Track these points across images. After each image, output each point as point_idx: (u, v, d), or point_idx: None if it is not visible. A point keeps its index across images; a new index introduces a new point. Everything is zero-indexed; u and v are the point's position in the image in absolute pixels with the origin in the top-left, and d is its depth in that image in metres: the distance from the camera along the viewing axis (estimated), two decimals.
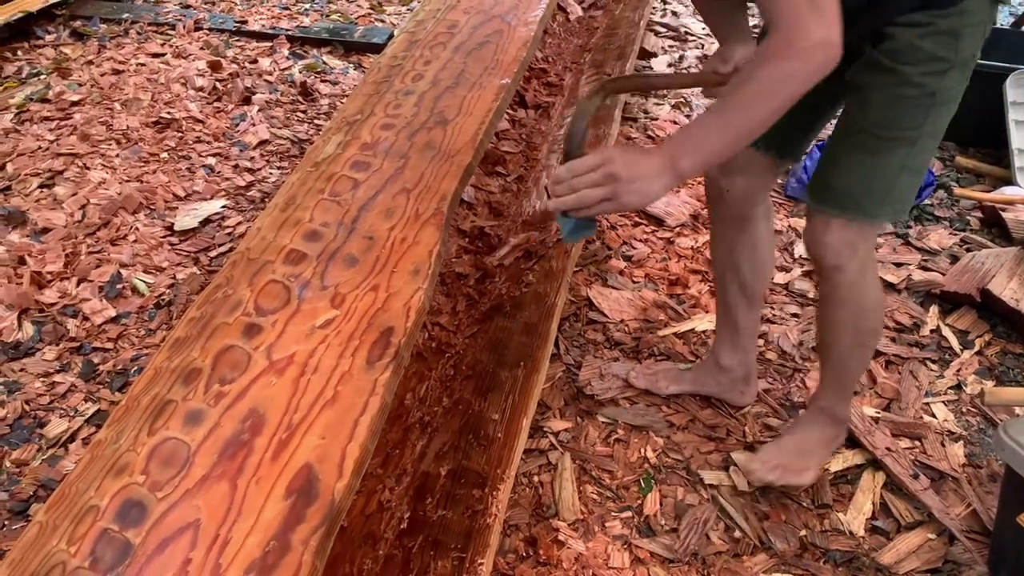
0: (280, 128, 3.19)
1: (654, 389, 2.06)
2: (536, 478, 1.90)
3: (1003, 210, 2.67)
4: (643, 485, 1.88)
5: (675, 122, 3.24)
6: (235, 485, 1.15)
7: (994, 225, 2.70)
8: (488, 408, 1.81)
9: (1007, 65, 2.87)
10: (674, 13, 4.18)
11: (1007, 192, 2.78)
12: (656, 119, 3.25)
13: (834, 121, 1.59)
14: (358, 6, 4.27)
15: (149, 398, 1.30)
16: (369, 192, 1.65)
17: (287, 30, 3.89)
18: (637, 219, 2.73)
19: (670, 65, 3.68)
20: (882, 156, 1.45)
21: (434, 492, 1.66)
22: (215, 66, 3.49)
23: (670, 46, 3.84)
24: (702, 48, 3.83)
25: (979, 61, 2.57)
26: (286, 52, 3.73)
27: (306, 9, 4.21)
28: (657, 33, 3.88)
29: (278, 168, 2.95)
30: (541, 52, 3.34)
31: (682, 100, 3.41)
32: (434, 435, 1.80)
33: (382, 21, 4.10)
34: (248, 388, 1.27)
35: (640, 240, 2.63)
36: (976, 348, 2.26)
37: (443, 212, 1.62)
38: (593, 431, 2.01)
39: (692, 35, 3.97)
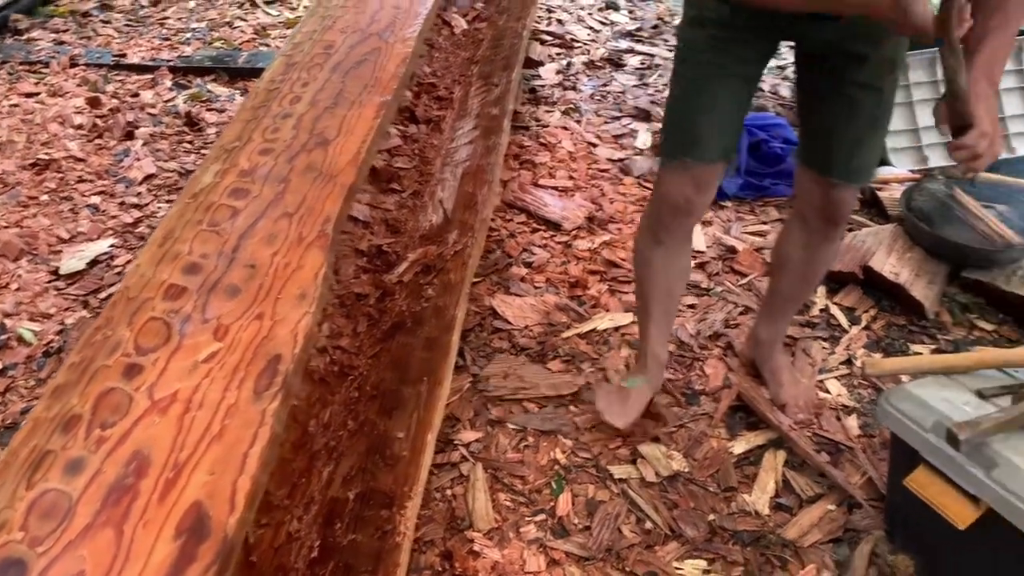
0: (166, 161, 3.11)
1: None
2: (449, 491, 1.90)
3: (879, 190, 2.80)
4: (555, 487, 1.89)
5: (565, 128, 3.29)
6: (121, 531, 1.11)
7: (872, 205, 2.83)
8: (393, 427, 1.80)
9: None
10: (559, 21, 4.25)
11: (882, 172, 2.91)
12: (547, 126, 3.30)
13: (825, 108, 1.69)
14: (241, 32, 4.21)
15: (28, 451, 1.25)
16: (249, 219, 1.62)
17: (168, 61, 3.80)
18: (535, 225, 2.76)
19: (558, 72, 3.74)
20: (884, 131, 1.69)
21: (343, 517, 1.64)
22: (94, 102, 3.38)
23: (557, 53, 3.90)
24: (587, 54, 3.91)
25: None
26: (169, 83, 3.64)
27: (187, 38, 4.12)
28: (543, 42, 3.93)
29: (166, 202, 2.87)
30: (429, 67, 3.35)
31: (572, 107, 3.47)
32: (340, 460, 1.78)
33: (267, 45, 4.05)
34: (131, 430, 1.24)
35: (539, 246, 2.66)
36: (863, 323, 2.36)
37: (328, 234, 1.60)
38: (503, 439, 2.02)
39: (578, 41, 4.04)
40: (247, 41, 4.12)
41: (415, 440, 1.74)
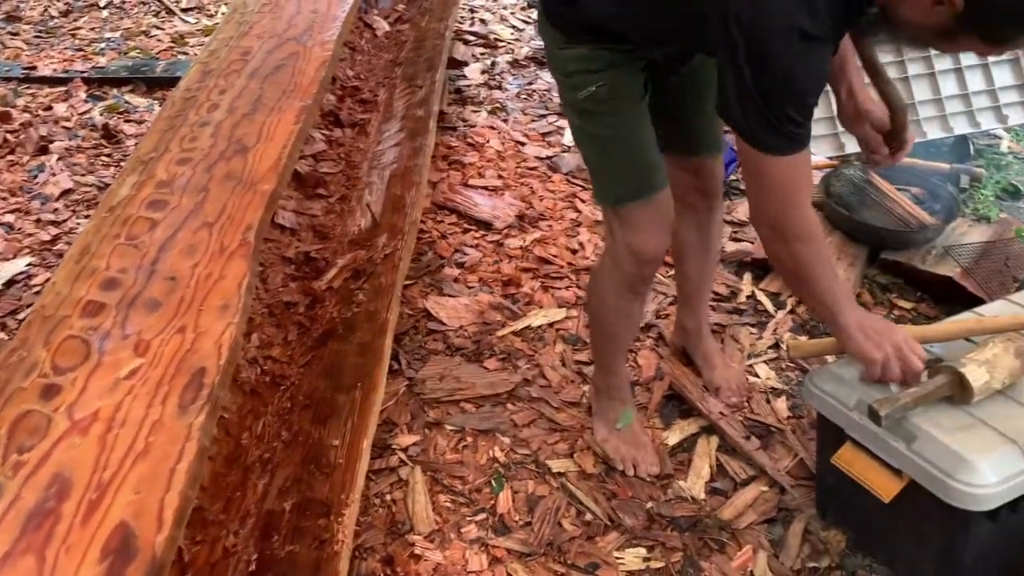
0: (84, 175, 3.02)
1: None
2: (388, 496, 1.88)
3: None
4: (494, 485, 1.90)
5: (493, 127, 3.30)
6: (43, 557, 1.08)
7: None
8: (328, 435, 1.78)
9: None
10: (482, 21, 4.26)
11: None
12: (474, 126, 3.30)
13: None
14: (158, 40, 4.11)
15: None
16: (168, 231, 1.59)
17: (82, 72, 3.69)
18: (466, 225, 2.76)
19: (483, 72, 3.74)
20: None
21: (280, 529, 1.61)
22: (4, 117, 3.26)
23: (481, 53, 3.91)
24: (512, 53, 3.92)
25: None
26: (83, 95, 3.53)
27: (102, 49, 4.01)
28: (467, 42, 3.93)
29: (85, 217, 2.79)
30: (352, 70, 3.32)
31: (498, 106, 3.48)
32: (275, 471, 1.75)
33: (185, 54, 3.96)
34: (50, 453, 1.20)
35: (471, 246, 2.66)
36: (788, 307, 2.42)
37: (250, 242, 1.58)
38: (442, 440, 2.01)
39: (502, 41, 4.05)
40: (164, 50, 4.03)
41: (350, 447, 1.72)
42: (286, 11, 2.32)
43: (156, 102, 3.52)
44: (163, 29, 4.26)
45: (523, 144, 3.22)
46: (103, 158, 3.14)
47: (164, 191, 1.71)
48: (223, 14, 4.28)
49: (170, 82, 3.60)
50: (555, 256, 2.60)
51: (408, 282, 2.45)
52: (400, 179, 2.52)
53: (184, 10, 4.49)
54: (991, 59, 3.01)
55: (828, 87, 1.59)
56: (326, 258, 2.35)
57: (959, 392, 1.52)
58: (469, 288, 2.48)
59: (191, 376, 1.32)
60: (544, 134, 3.29)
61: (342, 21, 2.26)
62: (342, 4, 2.34)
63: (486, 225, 2.74)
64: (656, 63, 1.61)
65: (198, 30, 4.24)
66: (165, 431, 1.24)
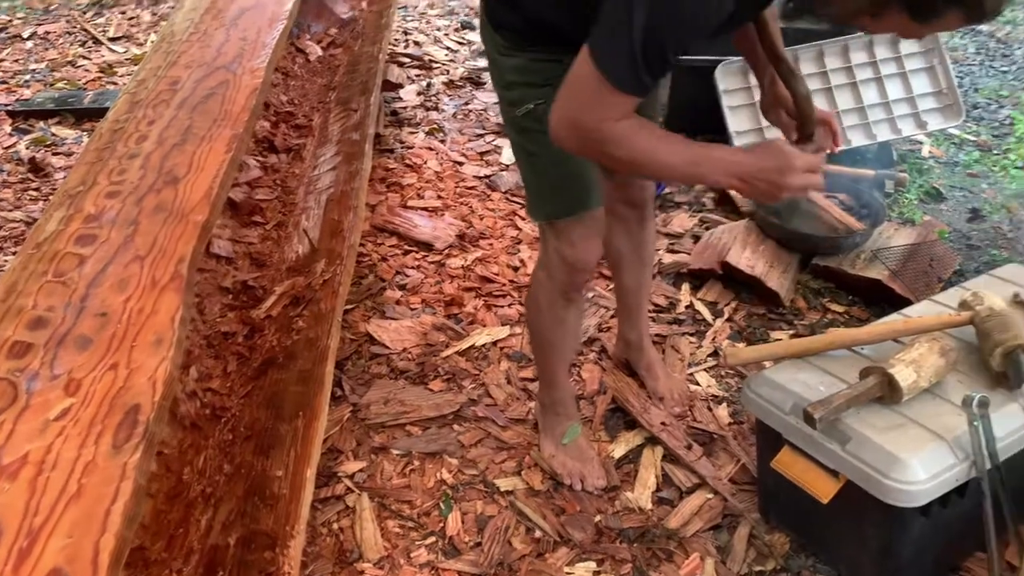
0: (11, 211, 2.94)
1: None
2: (336, 525, 1.87)
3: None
4: (443, 508, 1.89)
5: (430, 148, 3.31)
6: None
7: (726, 202, 2.96)
8: (271, 466, 1.76)
9: (716, 58, 3.16)
10: (416, 43, 4.27)
11: None
12: (412, 147, 3.30)
13: None
14: (85, 71, 4.03)
15: None
16: (98, 266, 1.56)
17: (6, 105, 3.60)
18: (407, 247, 2.76)
19: (419, 93, 3.75)
20: None
21: (225, 564, 1.58)
22: None
23: (416, 75, 3.92)
24: (447, 74, 3.94)
25: (692, 57, 2.80)
26: (8, 128, 3.45)
27: (26, 80, 3.92)
28: (402, 64, 3.94)
29: (14, 254, 2.72)
30: (286, 95, 3.30)
31: (435, 127, 3.49)
32: (219, 505, 1.72)
33: (114, 83, 3.89)
34: None
35: (412, 267, 2.66)
36: (726, 315, 2.47)
37: (183, 275, 1.56)
38: (388, 465, 2.00)
39: (437, 62, 4.07)
40: (92, 80, 3.96)
41: (294, 477, 1.70)
42: (215, 40, 2.30)
43: (85, 133, 3.45)
44: (90, 59, 4.18)
45: (461, 164, 3.23)
46: (31, 192, 3.06)
47: (93, 225, 1.68)
48: (152, 42, 4.22)
49: (99, 113, 3.53)
50: (497, 274, 2.61)
51: (349, 306, 2.44)
52: (337, 204, 2.51)
53: (112, 39, 4.42)
54: (895, 69, 3.12)
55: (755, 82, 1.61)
56: (264, 286, 2.33)
57: (889, 392, 1.57)
58: (412, 310, 2.47)
59: (125, 414, 1.29)
60: (482, 153, 3.31)
61: (272, 48, 2.25)
62: (272, 31, 2.33)
63: (427, 246, 2.74)
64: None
65: (127, 59, 4.17)
66: (99, 472, 1.21)
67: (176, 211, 1.70)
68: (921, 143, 3.31)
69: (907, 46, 3.21)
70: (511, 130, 1.70)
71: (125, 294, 1.51)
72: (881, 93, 3.17)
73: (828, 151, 1.60)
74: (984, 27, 4.38)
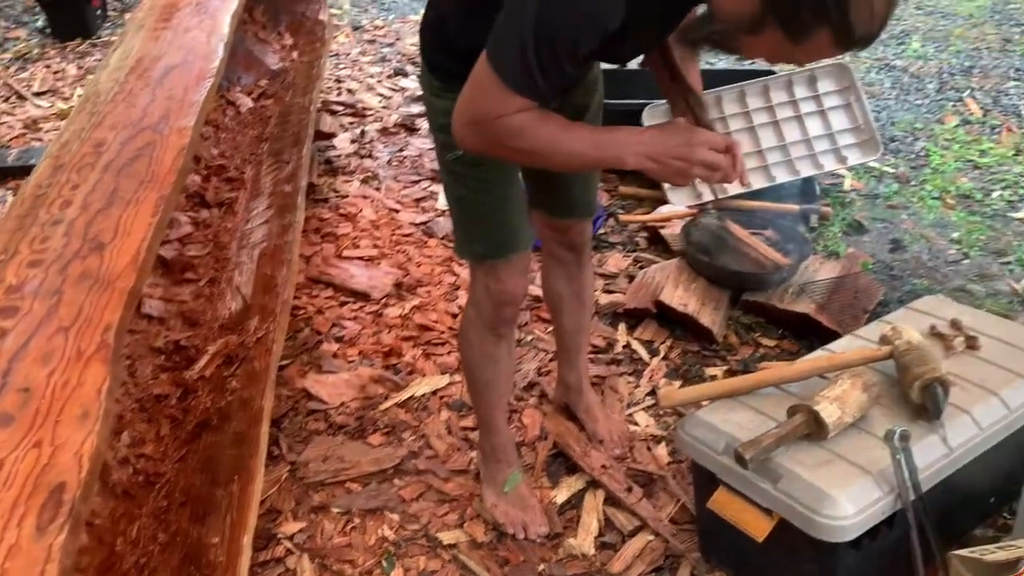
0: None
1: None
2: None
3: (662, 227, 3.01)
4: (385, 565, 1.87)
5: (365, 196, 3.31)
6: None
7: (658, 242, 3.02)
8: (207, 533, 1.73)
9: (643, 101, 3.24)
10: (349, 91, 4.28)
11: (663, 211, 3.13)
12: (346, 196, 3.31)
13: None
14: (9, 127, 3.95)
15: None
16: (20, 339, 1.53)
17: None
18: (343, 298, 2.75)
19: (353, 141, 3.76)
20: None
21: None
22: None
23: (350, 123, 3.93)
24: (381, 121, 3.96)
25: (620, 101, 2.85)
26: None
27: None
28: (334, 112, 3.95)
29: None
30: (217, 148, 3.28)
31: (370, 174, 3.50)
32: None
33: (39, 140, 3.82)
34: None
35: (349, 319, 2.65)
36: (662, 354, 2.51)
37: (109, 344, 1.53)
38: (329, 524, 1.98)
39: (370, 109, 4.09)
40: (16, 137, 3.88)
41: (231, 544, 1.67)
42: (140, 99, 2.28)
43: (10, 192, 3.38)
44: (14, 115, 4.10)
45: (397, 211, 3.24)
46: None
47: (14, 296, 1.64)
48: (78, 97, 4.16)
49: (24, 171, 3.46)
50: (435, 322, 2.62)
51: (285, 362, 2.42)
52: (270, 258, 2.50)
53: (37, 94, 4.34)
54: (814, 107, 3.24)
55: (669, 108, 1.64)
56: (197, 346, 2.30)
57: (816, 429, 1.62)
58: (349, 362, 2.46)
59: (49, 493, 1.26)
60: (418, 200, 3.33)
61: (200, 106, 2.24)
62: (199, 89, 2.32)
63: (363, 296, 2.73)
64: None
65: (52, 114, 4.10)
66: (23, 555, 1.18)
67: (102, 278, 1.68)
68: (843, 177, 3.43)
69: (824, 84, 3.33)
70: (443, 172, 1.73)
71: (49, 367, 1.48)
72: (802, 130, 3.28)
73: (732, 182, 1.63)
74: (899, 62, 4.58)
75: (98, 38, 5.11)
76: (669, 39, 1.58)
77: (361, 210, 3.20)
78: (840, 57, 4.28)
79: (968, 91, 4.22)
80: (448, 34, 1.55)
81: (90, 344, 1.53)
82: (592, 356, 2.48)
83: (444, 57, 1.58)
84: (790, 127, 3.28)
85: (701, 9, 1.33)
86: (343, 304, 2.71)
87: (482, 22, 1.37)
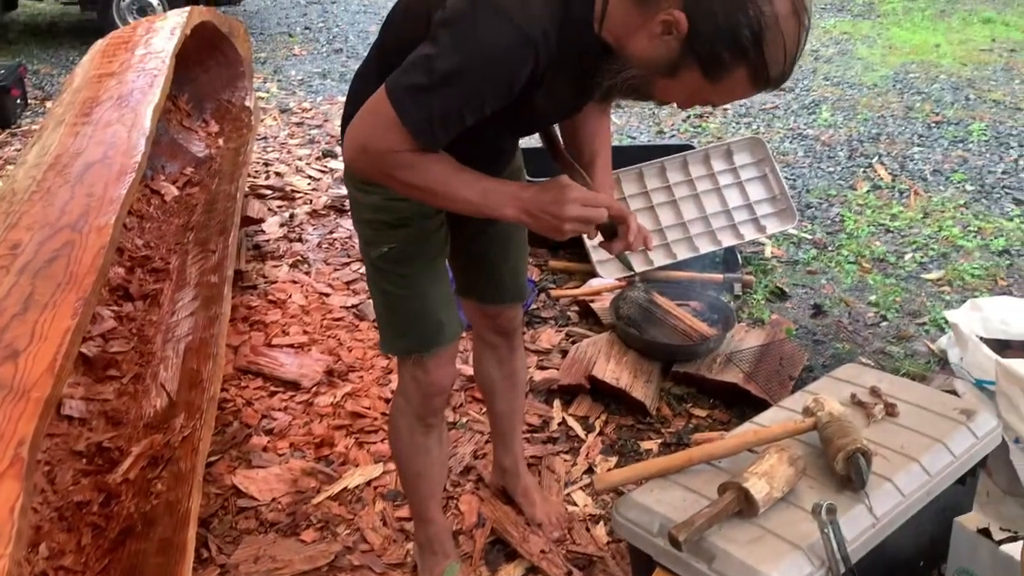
0: None
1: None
2: None
3: (592, 301, 3.05)
4: None
5: (295, 281, 3.29)
6: None
7: (589, 315, 3.07)
8: None
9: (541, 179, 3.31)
10: (278, 174, 4.29)
11: (593, 284, 3.18)
12: (276, 282, 3.28)
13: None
14: None
15: None
16: None
17: None
18: (273, 388, 2.70)
19: (282, 225, 3.75)
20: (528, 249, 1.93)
21: None
22: None
23: (278, 206, 3.92)
24: (310, 203, 3.96)
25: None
26: None
27: None
28: (263, 197, 3.94)
29: None
30: (141, 238, 3.24)
31: (300, 258, 3.49)
32: None
33: None
34: None
35: (279, 409, 2.60)
36: (597, 430, 2.52)
37: (23, 458, 1.47)
38: None
39: (299, 192, 4.09)
40: None
41: None
42: (59, 197, 2.24)
43: None
44: None
45: (327, 295, 3.22)
46: None
47: None
48: None
49: None
50: (368, 408, 2.59)
51: (214, 458, 2.36)
52: (196, 352, 2.45)
53: None
54: (732, 179, 3.36)
55: None
56: (120, 447, 2.23)
57: (746, 506, 1.63)
58: (280, 456, 2.41)
59: None
60: (348, 282, 3.32)
61: (121, 203, 2.21)
62: (120, 185, 2.29)
63: (294, 385, 2.69)
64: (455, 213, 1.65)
65: None
66: None
67: (16, 388, 1.62)
68: (763, 245, 3.54)
69: (740, 157, 3.47)
70: (367, 267, 1.74)
71: None
72: (722, 202, 3.40)
73: (636, 249, 1.66)
74: (810, 131, 4.80)
75: (18, 127, 5.04)
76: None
77: (290, 296, 3.18)
78: (754, 131, 4.46)
79: (876, 157, 4.44)
80: None
81: (2, 459, 1.46)
82: (528, 436, 2.47)
83: None
84: (710, 199, 3.39)
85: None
86: (273, 394, 2.66)
87: None
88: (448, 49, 1.27)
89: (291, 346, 2.87)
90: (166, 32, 3.35)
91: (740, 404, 2.56)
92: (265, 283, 3.27)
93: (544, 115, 1.55)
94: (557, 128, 1.72)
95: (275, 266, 3.41)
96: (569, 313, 3.11)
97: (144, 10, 6.37)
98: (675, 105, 1.40)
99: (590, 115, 1.67)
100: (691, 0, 1.21)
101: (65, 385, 1.71)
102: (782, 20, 1.19)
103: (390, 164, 1.37)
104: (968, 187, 4.09)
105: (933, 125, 4.86)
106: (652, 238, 1.68)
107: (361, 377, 2.75)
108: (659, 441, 2.47)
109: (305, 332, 2.96)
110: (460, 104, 1.31)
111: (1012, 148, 4.53)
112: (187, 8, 3.62)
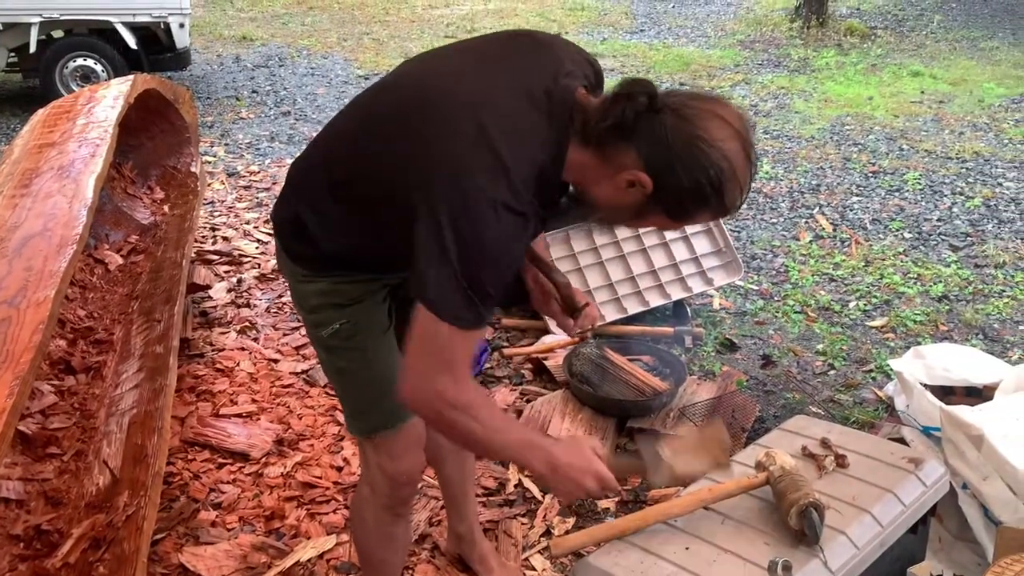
0: None
1: None
2: None
3: (545, 359, 3.05)
4: None
5: (243, 348, 3.24)
6: None
7: (543, 372, 3.06)
8: None
9: None
10: (225, 238, 4.25)
11: (546, 341, 3.18)
12: (223, 350, 3.22)
13: None
14: None
15: None
16: None
17: None
18: (221, 460, 2.63)
19: (230, 291, 3.70)
20: None
21: None
22: None
23: (226, 271, 3.87)
24: (258, 267, 3.92)
25: None
26: None
27: None
28: (210, 262, 3.89)
29: None
30: (84, 309, 3.17)
31: (248, 324, 3.44)
32: None
33: None
34: None
35: (227, 482, 2.53)
36: None
37: None
38: None
39: (247, 256, 4.05)
40: None
41: None
42: None
43: None
44: None
45: (276, 361, 3.17)
46: None
47: None
48: None
49: None
50: (319, 478, 2.53)
51: (160, 536, 2.28)
52: (141, 426, 2.39)
53: None
54: (678, 234, 3.43)
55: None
56: (60, 529, 2.14)
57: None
58: (229, 530, 2.34)
59: None
60: (298, 347, 3.27)
61: (60, 276, 2.16)
62: (60, 258, 2.24)
63: (243, 456, 2.63)
64: (400, 288, 1.65)
65: None
66: None
67: None
68: (712, 296, 3.59)
69: None
70: (319, 348, 1.70)
71: None
72: (669, 256, 3.45)
73: (594, 325, 1.75)
74: (752, 184, 4.91)
75: None
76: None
77: (238, 363, 3.12)
78: None
79: (817, 208, 4.56)
80: (309, 235, 1.55)
81: None
82: (484, 500, 2.44)
83: (307, 250, 1.57)
84: (657, 253, 3.44)
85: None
86: (221, 466, 2.59)
87: (343, 230, 1.46)
88: (467, 243, 1.30)
89: (239, 416, 2.81)
90: (109, 101, 3.33)
91: None
92: (212, 351, 3.21)
93: None
94: None
95: (223, 333, 3.35)
96: (523, 371, 3.11)
97: (88, 77, 6.32)
98: None
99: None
100: (653, 164, 1.30)
101: (1, 467, 1.64)
102: (739, 169, 1.30)
103: (453, 404, 1.38)
104: (906, 235, 4.21)
105: (870, 175, 5.02)
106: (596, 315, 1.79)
107: (312, 445, 2.69)
108: (616, 500, 2.45)
109: (254, 400, 2.90)
110: (499, 276, 1.34)
111: (946, 196, 4.70)
112: (131, 76, 3.60)
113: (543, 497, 2.47)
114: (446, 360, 1.35)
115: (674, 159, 1.29)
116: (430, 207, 1.31)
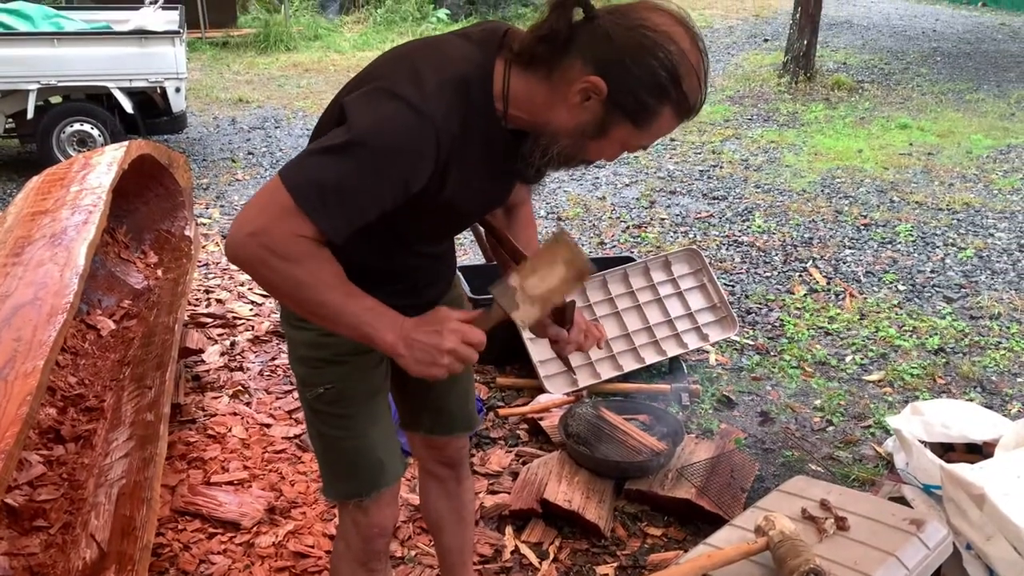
0: None
1: None
2: None
3: (541, 419, 3.02)
4: None
5: (235, 413, 3.20)
6: None
7: (538, 433, 3.03)
8: None
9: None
10: (219, 300, 4.23)
11: (541, 400, 3.15)
12: (215, 415, 3.18)
13: None
14: None
15: None
16: None
17: None
18: (211, 529, 2.58)
19: (223, 354, 3.67)
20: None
21: None
22: None
23: (219, 334, 3.85)
24: (252, 330, 3.90)
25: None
26: None
27: None
28: (203, 325, 3.87)
29: None
30: (75, 376, 3.14)
31: (240, 388, 3.40)
32: None
33: None
34: None
35: (217, 553, 2.48)
36: (551, 556, 2.45)
37: None
38: None
39: (240, 318, 4.03)
40: None
41: None
42: None
43: None
44: None
45: (269, 426, 3.13)
46: None
47: None
48: None
49: None
50: (311, 547, 2.48)
51: None
52: (130, 497, 2.34)
53: None
54: (672, 289, 3.41)
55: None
56: None
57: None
58: None
59: None
60: (290, 411, 3.24)
61: (50, 346, 2.14)
62: (49, 328, 2.23)
63: (233, 526, 2.57)
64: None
65: None
66: None
67: None
68: (708, 352, 3.57)
69: (678, 267, 3.54)
70: (305, 408, 1.69)
71: None
72: (664, 312, 3.44)
73: (588, 349, 1.63)
74: (745, 238, 4.93)
75: None
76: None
77: (230, 429, 3.08)
78: (691, 239, 4.57)
79: (811, 261, 4.57)
80: None
81: None
82: (480, 567, 2.39)
83: None
84: (652, 310, 3.44)
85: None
86: (212, 536, 2.54)
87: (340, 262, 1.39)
88: (342, 131, 1.28)
89: (231, 483, 2.76)
90: (103, 167, 3.34)
91: (694, 519, 2.52)
92: (204, 416, 3.17)
93: (464, 210, 1.50)
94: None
95: (215, 397, 3.32)
96: (519, 432, 3.07)
97: (84, 142, 6.37)
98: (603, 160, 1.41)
99: (521, 206, 1.71)
100: (601, 62, 1.28)
101: None
102: (688, 53, 1.28)
103: (278, 251, 1.27)
104: (900, 287, 4.21)
105: (862, 228, 5.05)
106: (604, 334, 1.67)
107: (304, 513, 2.64)
108: (615, 565, 2.40)
109: (245, 467, 2.86)
110: (356, 182, 1.27)
111: (938, 247, 4.71)
112: (125, 142, 3.63)
113: (540, 564, 2.42)
114: (279, 217, 1.26)
115: (621, 51, 1.26)
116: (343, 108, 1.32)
